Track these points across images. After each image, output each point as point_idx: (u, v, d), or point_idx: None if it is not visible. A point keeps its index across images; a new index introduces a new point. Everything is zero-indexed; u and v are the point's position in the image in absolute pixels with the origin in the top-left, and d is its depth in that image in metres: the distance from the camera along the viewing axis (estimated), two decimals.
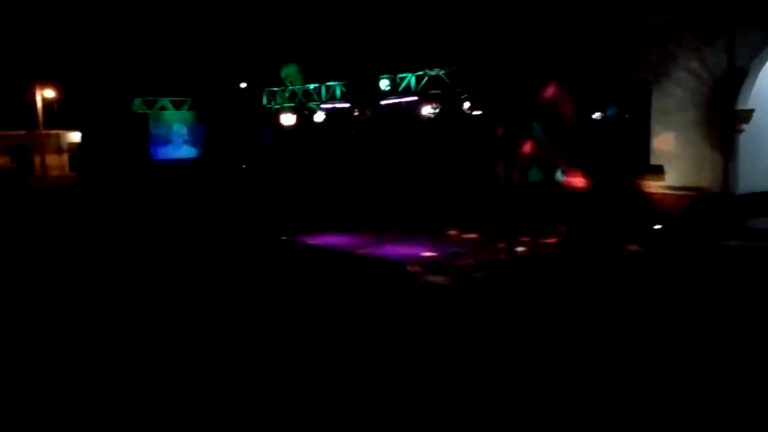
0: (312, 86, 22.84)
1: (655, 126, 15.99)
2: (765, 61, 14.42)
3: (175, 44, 28.61)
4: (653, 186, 15.72)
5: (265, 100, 24.97)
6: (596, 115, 16.52)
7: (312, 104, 22.39)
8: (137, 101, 26.94)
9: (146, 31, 29.45)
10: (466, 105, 17.73)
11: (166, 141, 27.45)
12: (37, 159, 38.81)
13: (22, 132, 38.17)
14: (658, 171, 15.84)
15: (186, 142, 27.89)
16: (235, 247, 14.61)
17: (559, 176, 16.97)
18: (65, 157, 40.35)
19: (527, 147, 17.41)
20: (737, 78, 14.52)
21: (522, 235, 14.44)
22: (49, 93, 37.87)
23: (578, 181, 16.56)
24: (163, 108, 27.34)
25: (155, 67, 28.15)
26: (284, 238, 15.52)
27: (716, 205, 14.73)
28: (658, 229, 14.67)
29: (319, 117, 21.61)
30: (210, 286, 10.70)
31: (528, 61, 17.57)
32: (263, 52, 26.03)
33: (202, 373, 6.63)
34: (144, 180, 25.30)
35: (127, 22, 29.88)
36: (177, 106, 27.50)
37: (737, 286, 10.21)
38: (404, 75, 19.68)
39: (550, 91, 16.98)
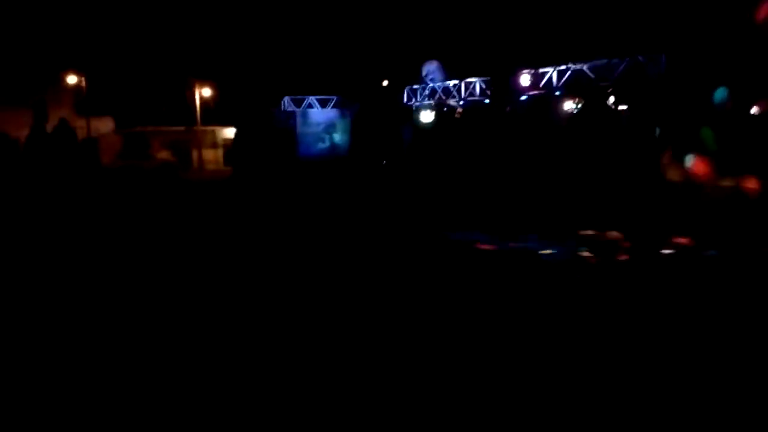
0: (452, 83, 23.20)
1: None
2: None
3: (321, 45, 30.01)
4: None
5: (406, 98, 25.66)
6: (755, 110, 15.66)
7: (452, 101, 22.78)
8: (286, 99, 28.57)
9: (294, 33, 31.07)
10: (611, 100, 17.44)
11: (313, 137, 28.87)
12: (194, 153, 41.93)
13: (182, 128, 41.33)
14: None
15: (331, 138, 29.20)
16: (399, 241, 14.79)
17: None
18: (220, 152, 43.17)
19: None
20: None
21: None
22: (207, 92, 40.86)
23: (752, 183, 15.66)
24: (310, 106, 28.77)
25: (303, 67, 29.72)
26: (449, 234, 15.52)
27: None
28: None
29: (459, 113, 21.99)
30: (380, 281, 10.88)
31: (676, 53, 16.96)
32: (404, 50, 26.75)
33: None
34: (292, 174, 26.71)
35: (277, 26, 31.67)
36: (323, 104, 28.86)
37: None
38: (546, 69, 19.58)
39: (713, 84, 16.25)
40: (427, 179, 22.85)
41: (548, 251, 13.36)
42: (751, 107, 15.62)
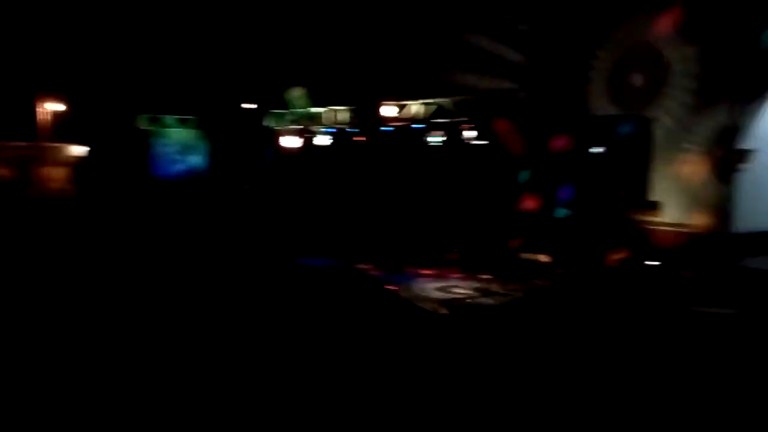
0: (316, 110, 23.07)
1: (655, 161, 16.22)
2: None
3: (182, 63, 28.89)
4: (650, 221, 15.89)
5: (269, 122, 25.18)
6: (597, 149, 16.73)
7: (316, 128, 22.60)
8: (142, 117, 27.17)
9: (153, 49, 29.76)
10: (470, 134, 17.96)
11: (169, 158, 27.61)
12: (38, 171, 38.84)
13: (24, 144, 38.20)
14: (654, 206, 16.04)
15: (189, 159, 28.05)
16: (241, 266, 14.55)
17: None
18: (66, 170, 40.28)
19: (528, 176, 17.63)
20: (738, 118, 14.78)
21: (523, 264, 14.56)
22: (55, 106, 38.08)
23: (573, 212, 16.73)
24: (168, 125, 27.54)
25: (161, 85, 28.42)
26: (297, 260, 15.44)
27: (713, 242, 14.88)
28: (653, 264, 14.79)
29: (323, 141, 21.83)
30: (213, 304, 10.65)
31: (532, 90, 17.85)
32: (269, 74, 26.32)
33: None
34: (145, 195, 25.37)
35: (134, 39, 30.21)
36: (181, 123, 27.72)
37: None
38: (410, 102, 19.92)
39: (553, 121, 17.23)
40: (289, 205, 22.50)
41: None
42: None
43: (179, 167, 27.69)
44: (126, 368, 7.09)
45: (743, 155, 14.93)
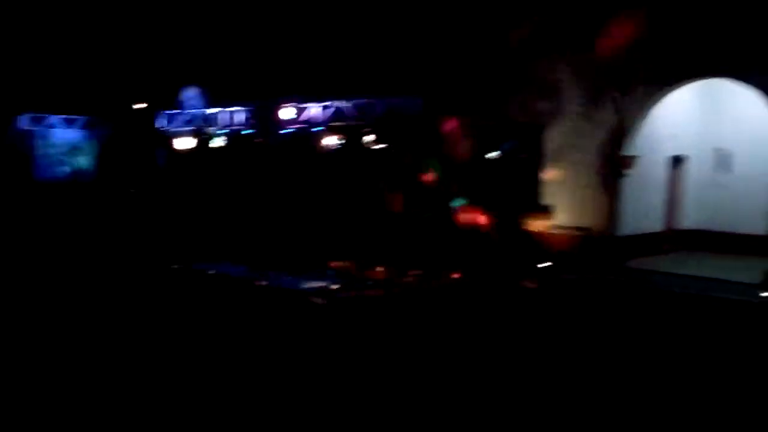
0: (212, 110, 22.38)
1: (547, 167, 16.73)
2: (649, 112, 15.45)
3: (68, 60, 27.38)
4: (542, 225, 16.38)
5: (162, 123, 24.23)
6: (492, 155, 17.07)
7: (212, 129, 21.92)
8: (24, 117, 25.50)
9: (36, 45, 28.06)
10: (370, 138, 17.91)
11: (54, 160, 26.07)
12: None
13: None
14: (547, 210, 16.55)
15: (75, 161, 26.59)
16: (119, 273, 13.93)
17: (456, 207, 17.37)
18: None
19: (425, 182, 17.72)
20: (624, 126, 15.47)
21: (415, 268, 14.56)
22: None
23: (471, 217, 16.95)
24: (53, 125, 25.99)
25: (45, 83, 26.78)
26: (175, 266, 14.94)
27: (600, 245, 15.49)
28: (546, 266, 15.23)
29: (219, 142, 21.20)
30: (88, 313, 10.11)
31: (431, 98, 17.99)
32: (162, 73, 25.34)
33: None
34: (25, 199, 23.81)
35: (14, 33, 28.38)
36: (68, 123, 26.23)
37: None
38: (310, 104, 19.65)
39: (450, 128, 17.40)
40: (183, 209, 21.71)
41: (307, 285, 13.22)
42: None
43: (64, 169, 26.19)
44: None
45: (628, 160, 15.64)
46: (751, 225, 16.11)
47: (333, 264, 15.38)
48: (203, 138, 21.66)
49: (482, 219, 16.48)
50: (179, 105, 23.55)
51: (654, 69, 14.85)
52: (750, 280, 12.95)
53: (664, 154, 17.03)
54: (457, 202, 17.19)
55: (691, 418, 6.96)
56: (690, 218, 17.80)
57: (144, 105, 25.22)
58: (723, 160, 17.42)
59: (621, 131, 15.53)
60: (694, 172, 17.77)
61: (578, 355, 8.96)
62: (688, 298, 12.33)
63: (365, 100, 18.67)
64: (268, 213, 19.39)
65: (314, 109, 19.51)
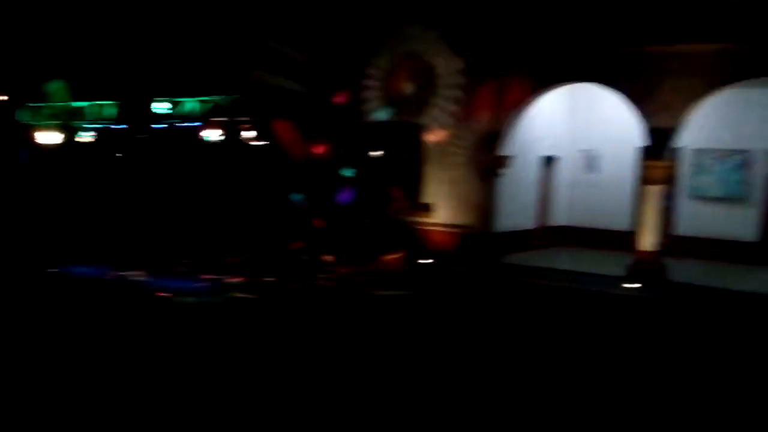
0: (80, 104, 21.12)
1: (427, 166, 16.92)
2: (523, 113, 15.92)
3: None
4: (424, 222, 16.55)
5: (25, 116, 22.60)
6: (375, 153, 17.09)
7: (79, 123, 20.67)
8: None
9: None
10: (248, 134, 17.47)
11: None
12: None
13: None
14: (427, 208, 16.74)
15: None
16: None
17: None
18: None
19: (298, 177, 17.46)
20: (498, 127, 15.86)
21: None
22: None
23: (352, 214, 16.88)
24: None
25: None
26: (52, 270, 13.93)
27: (478, 241, 15.82)
28: (427, 262, 15.39)
29: (86, 137, 20.02)
30: None
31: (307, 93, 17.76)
32: (25, 65, 23.66)
33: None
34: None
35: None
36: None
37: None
38: (185, 99, 18.93)
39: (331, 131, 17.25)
40: (47, 206, 20.27)
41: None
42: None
43: None
44: None
45: (503, 160, 16.06)
46: (617, 222, 17.01)
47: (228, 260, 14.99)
48: (69, 133, 20.37)
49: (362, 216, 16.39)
50: (44, 98, 22.05)
51: (528, 72, 15.32)
52: (615, 273, 13.64)
53: (537, 154, 17.65)
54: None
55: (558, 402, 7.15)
56: (561, 215, 18.55)
57: (4, 97, 23.47)
58: (591, 161, 18.29)
59: (496, 132, 15.91)
60: (565, 171, 18.55)
61: (444, 346, 9.07)
62: (558, 291, 12.80)
63: (244, 96, 18.21)
64: (146, 210, 18.51)
65: (190, 104, 18.84)
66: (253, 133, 17.48)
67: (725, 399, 7.43)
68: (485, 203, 16.20)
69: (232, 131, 17.78)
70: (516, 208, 16.90)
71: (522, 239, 17.10)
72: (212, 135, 18.06)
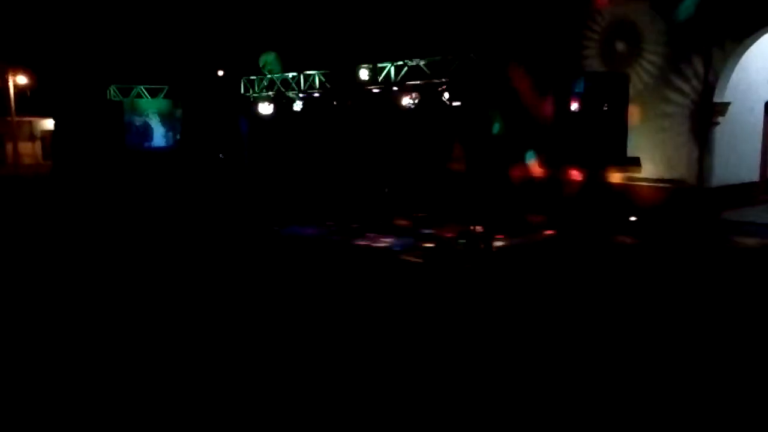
0: (290, 75, 22.61)
1: (633, 118, 16.09)
2: (740, 57, 14.57)
3: (151, 31, 28.19)
4: (631, 178, 15.85)
5: (243, 89, 24.70)
6: (574, 107, 16.50)
7: (290, 93, 22.18)
8: (112, 88, 26.53)
9: (122, 18, 28.97)
10: (446, 96, 17.68)
11: (142, 129, 27.09)
12: (8, 146, 38.11)
13: None
14: (635, 163, 15.96)
15: (162, 130, 27.55)
16: (226, 238, 14.57)
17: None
18: (38, 145, 39.69)
19: (502, 139, 17.43)
20: (714, 72, 14.65)
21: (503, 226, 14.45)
22: (22, 79, 37.14)
23: (557, 172, 16.61)
24: (139, 96, 26.94)
25: (131, 55, 27.72)
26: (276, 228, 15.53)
27: (692, 197, 14.89)
28: (634, 220, 14.80)
29: (298, 106, 21.44)
30: (204, 279, 10.69)
31: (508, 53, 17.54)
32: (241, 40, 25.74)
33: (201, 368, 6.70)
34: (119, 169, 24.94)
35: (102, 8, 29.37)
36: (153, 93, 27.11)
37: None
38: (384, 65, 19.54)
39: (527, 83, 16.95)
40: (266, 173, 22.25)
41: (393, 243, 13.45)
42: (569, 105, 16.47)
43: (152, 138, 27.19)
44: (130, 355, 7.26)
45: (719, 108, 14.85)
46: None
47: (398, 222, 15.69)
48: (282, 102, 21.95)
49: (575, 174, 16.04)
50: (259, 71, 23.90)
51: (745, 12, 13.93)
52: None
53: (759, 100, 16.07)
54: (529, 157, 16.91)
55: None
56: None
57: (224, 72, 25.77)
58: None
59: (711, 77, 14.72)
60: None
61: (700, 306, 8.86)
62: None
63: (439, 57, 18.39)
64: (346, 175, 19.66)
65: (389, 69, 19.41)
66: (448, 95, 17.59)
67: None
68: (699, 155, 15.14)
69: (429, 94, 18.06)
70: (736, 159, 15.60)
71: (743, 193, 15.80)
72: (408, 99, 18.47)
